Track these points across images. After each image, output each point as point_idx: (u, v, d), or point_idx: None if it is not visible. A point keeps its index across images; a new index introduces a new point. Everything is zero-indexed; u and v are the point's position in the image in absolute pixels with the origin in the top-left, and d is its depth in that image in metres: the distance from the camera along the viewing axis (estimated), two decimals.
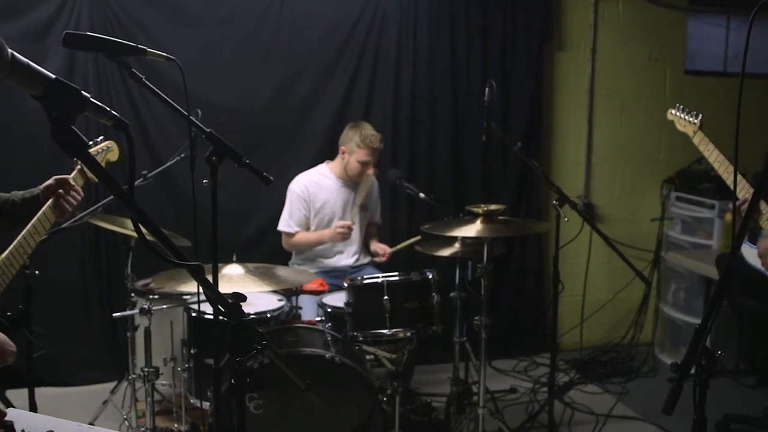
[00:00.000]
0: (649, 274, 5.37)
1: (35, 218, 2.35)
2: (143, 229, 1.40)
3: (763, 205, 2.84)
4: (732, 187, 2.92)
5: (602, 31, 5.22)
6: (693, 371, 1.72)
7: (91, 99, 1.23)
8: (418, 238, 4.03)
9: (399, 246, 4.21)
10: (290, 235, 4.20)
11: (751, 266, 3.01)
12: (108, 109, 1.31)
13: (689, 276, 5.06)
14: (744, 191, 2.88)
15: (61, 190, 2.43)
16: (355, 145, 4.08)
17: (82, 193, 2.54)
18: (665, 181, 5.40)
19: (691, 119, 3.22)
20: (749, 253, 3.03)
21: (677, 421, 1.73)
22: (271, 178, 2.50)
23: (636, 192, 5.46)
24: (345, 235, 4.07)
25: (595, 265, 4.98)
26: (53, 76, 1.19)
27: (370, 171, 4.14)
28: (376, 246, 4.32)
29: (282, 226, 4.20)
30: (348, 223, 4.06)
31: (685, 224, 5.26)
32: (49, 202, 2.40)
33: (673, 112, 3.33)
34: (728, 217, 4.74)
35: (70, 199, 2.45)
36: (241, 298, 1.71)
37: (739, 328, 4.88)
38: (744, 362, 4.90)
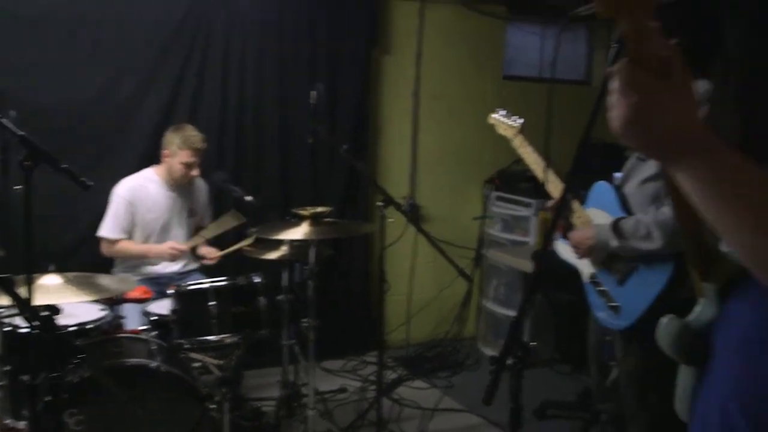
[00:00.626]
0: (471, 270, 5.58)
1: None
2: None
3: (575, 203, 3.02)
4: (547, 187, 3.11)
5: (427, 36, 5.35)
6: (510, 362, 1.82)
7: None
8: (249, 240, 3.99)
9: (229, 249, 4.15)
10: (112, 241, 4.02)
11: (565, 262, 3.18)
12: None
13: (508, 272, 5.31)
14: (559, 191, 3.06)
15: None
16: (177, 147, 3.99)
17: None
18: (486, 181, 5.62)
19: (511, 123, 3.36)
20: (563, 248, 3.19)
21: (499, 411, 1.82)
22: (90, 183, 2.40)
23: (459, 192, 5.66)
24: (175, 257, 4.00)
25: (421, 263, 5.13)
26: None
27: (195, 173, 4.06)
28: (205, 249, 4.24)
29: (103, 231, 4.01)
30: (183, 248, 4.00)
31: (505, 222, 5.50)
32: None
33: (494, 116, 3.46)
34: (543, 215, 5.00)
35: None
36: (54, 310, 1.64)
37: (554, 320, 5.18)
38: (559, 352, 5.20)
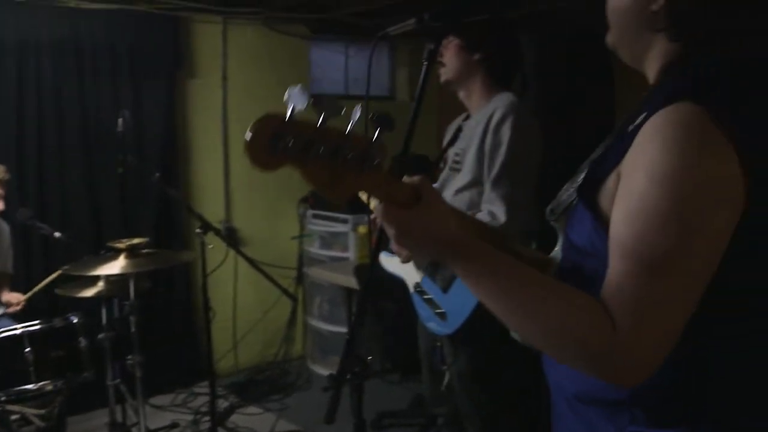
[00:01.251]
0: (294, 289, 5.59)
1: None
2: None
3: None
4: (365, 200, 3.15)
5: (232, 58, 5.31)
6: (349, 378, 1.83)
7: None
8: (57, 274, 3.77)
9: (35, 289, 3.90)
10: None
11: (388, 272, 3.24)
12: None
13: (330, 288, 5.36)
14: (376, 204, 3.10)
15: None
16: None
17: None
18: (301, 200, 5.64)
19: None
20: (386, 260, 3.25)
21: (337, 428, 1.83)
22: None
23: (275, 213, 5.64)
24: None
25: (244, 286, 5.07)
26: None
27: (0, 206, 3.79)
28: (8, 296, 3.94)
29: None
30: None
31: (323, 239, 5.55)
32: None
33: None
34: (361, 229, 5.09)
35: None
36: None
37: (381, 331, 5.28)
38: (389, 361, 5.31)
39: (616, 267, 1.12)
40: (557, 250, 1.45)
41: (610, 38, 1.34)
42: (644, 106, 1.18)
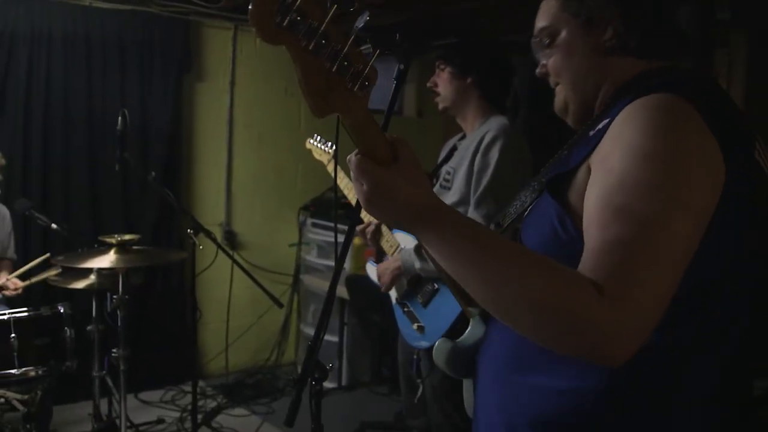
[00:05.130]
0: (289, 296, 5.65)
1: None
2: None
3: (384, 228, 3.14)
4: (360, 212, 3.19)
5: (240, 65, 5.39)
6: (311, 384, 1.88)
7: None
8: (55, 270, 3.83)
9: (33, 279, 3.96)
10: None
11: (376, 284, 3.27)
12: None
13: (325, 297, 5.38)
14: (368, 215, 3.15)
15: None
16: None
17: None
18: (302, 208, 5.70)
19: (326, 148, 3.45)
20: (372, 271, 3.29)
21: None
22: None
23: (275, 219, 5.69)
24: None
25: (239, 290, 5.11)
26: None
27: None
28: (6, 281, 4.01)
29: None
30: None
31: (321, 248, 5.60)
32: None
33: (311, 141, 3.52)
34: (356, 240, 5.12)
35: None
36: None
37: (369, 343, 5.32)
38: (376, 374, 5.34)
39: (595, 241, 1.07)
40: None
41: (562, 95, 1.37)
42: (603, 116, 1.22)
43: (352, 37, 1.03)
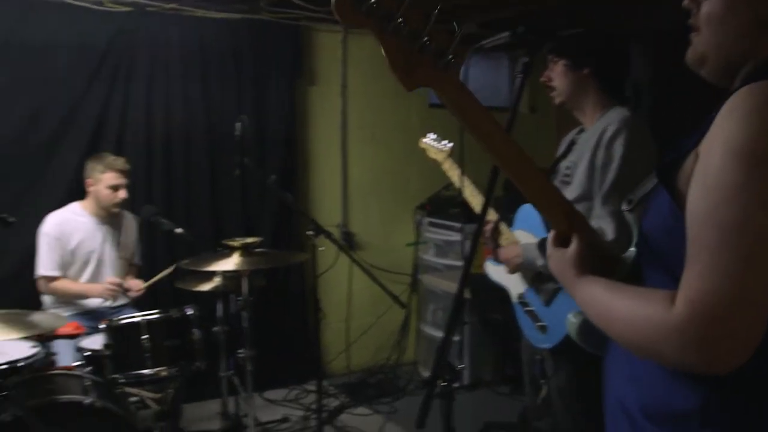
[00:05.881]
0: (408, 296, 5.64)
1: None
2: None
3: (502, 226, 3.08)
4: (477, 209, 3.14)
5: (351, 67, 5.43)
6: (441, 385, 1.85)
7: None
8: (170, 269, 3.97)
9: (153, 279, 4.11)
10: (50, 279, 3.98)
11: (496, 283, 3.22)
12: None
13: (444, 296, 5.37)
14: (489, 214, 3.09)
15: None
16: (100, 173, 3.99)
17: None
18: (418, 207, 5.69)
19: (440, 147, 3.42)
20: (492, 270, 3.24)
21: None
22: (11, 219, 2.41)
23: (391, 219, 5.71)
24: (114, 293, 3.96)
25: (358, 290, 5.16)
26: None
27: (122, 194, 4.02)
28: (129, 282, 4.18)
29: (41, 270, 3.96)
30: (118, 280, 3.97)
31: (438, 247, 5.58)
32: None
33: (425, 140, 3.50)
34: None
35: None
36: None
37: (491, 342, 5.25)
38: (498, 374, 5.27)
39: (693, 240, 1.09)
40: (632, 250, 1.43)
41: (701, 47, 1.28)
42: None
43: (433, 20, 1.12)
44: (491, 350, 5.30)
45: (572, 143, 3.00)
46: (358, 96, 5.47)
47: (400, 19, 1.09)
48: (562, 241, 1.42)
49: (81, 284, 4.05)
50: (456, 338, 5.19)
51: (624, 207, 1.41)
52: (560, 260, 1.42)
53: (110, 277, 4.06)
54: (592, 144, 2.75)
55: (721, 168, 1.07)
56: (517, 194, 1.43)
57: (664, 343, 1.07)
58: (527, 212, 3.05)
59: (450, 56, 1.13)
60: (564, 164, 2.94)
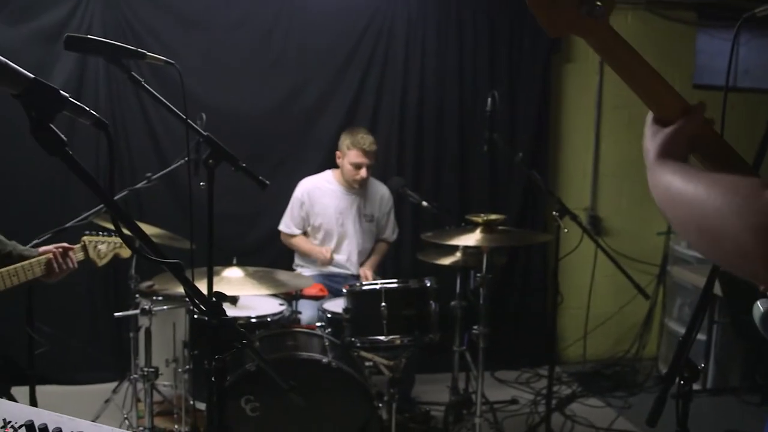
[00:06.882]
0: (654, 288, 5.36)
1: (20, 263, 2.41)
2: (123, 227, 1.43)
3: None
4: None
5: None
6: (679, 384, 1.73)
7: (70, 99, 1.26)
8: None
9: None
10: (289, 235, 4.35)
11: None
12: (87, 108, 1.32)
13: (694, 291, 5.03)
14: None
15: (58, 251, 2.50)
16: (347, 148, 4.17)
17: (76, 265, 2.60)
18: None
19: None
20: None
21: None
22: (267, 182, 2.54)
23: (643, 205, 5.41)
24: (324, 261, 4.18)
25: (601, 277, 4.96)
26: (32, 76, 1.21)
27: (363, 173, 4.16)
28: (362, 270, 4.31)
29: (281, 225, 4.36)
30: (328, 251, 4.19)
31: None
32: (42, 257, 2.47)
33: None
34: None
35: (62, 263, 2.52)
36: (222, 297, 1.73)
37: (742, 346, 4.86)
38: (747, 380, 4.87)
39: None
40: None
41: None
42: None
43: None
44: (741, 354, 4.90)
45: None
46: (616, 75, 5.20)
47: None
48: (664, 123, 1.25)
49: (310, 245, 4.31)
50: (702, 337, 4.86)
51: None
52: (650, 137, 1.27)
53: (350, 245, 4.28)
54: None
55: None
56: None
57: (741, 230, 0.89)
58: None
59: (598, 3, 1.08)
60: None
